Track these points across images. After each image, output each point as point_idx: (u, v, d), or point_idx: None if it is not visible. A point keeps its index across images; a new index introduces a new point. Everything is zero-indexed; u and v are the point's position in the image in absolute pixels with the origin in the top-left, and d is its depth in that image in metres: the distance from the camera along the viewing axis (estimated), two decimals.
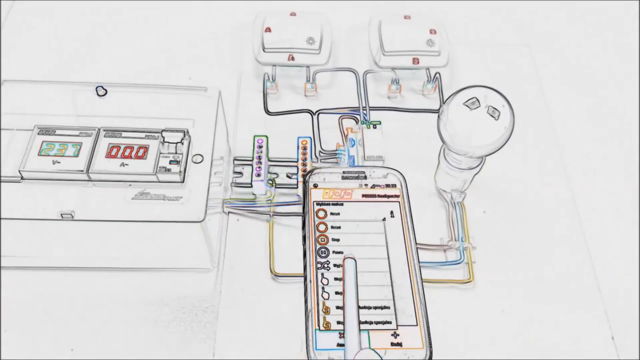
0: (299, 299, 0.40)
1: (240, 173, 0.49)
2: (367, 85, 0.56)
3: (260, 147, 0.48)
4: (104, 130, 0.44)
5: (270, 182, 0.48)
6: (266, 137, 0.49)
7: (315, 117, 0.54)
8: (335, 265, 0.39)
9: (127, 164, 0.42)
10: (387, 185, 0.43)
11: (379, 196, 0.42)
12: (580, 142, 0.56)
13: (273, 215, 0.48)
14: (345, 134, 0.52)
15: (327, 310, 0.37)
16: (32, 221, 0.40)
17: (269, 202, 0.48)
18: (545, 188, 0.52)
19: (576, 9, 0.68)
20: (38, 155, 0.42)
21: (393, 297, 0.38)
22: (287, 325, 0.43)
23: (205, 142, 0.45)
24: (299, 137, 0.51)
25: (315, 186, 0.43)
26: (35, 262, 0.45)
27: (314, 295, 0.37)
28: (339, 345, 0.35)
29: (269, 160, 0.50)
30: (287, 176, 0.50)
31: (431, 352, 0.35)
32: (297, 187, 0.49)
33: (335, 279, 0.38)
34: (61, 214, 0.40)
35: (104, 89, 0.46)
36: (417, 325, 0.36)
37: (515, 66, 0.62)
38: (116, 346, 0.42)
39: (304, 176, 0.45)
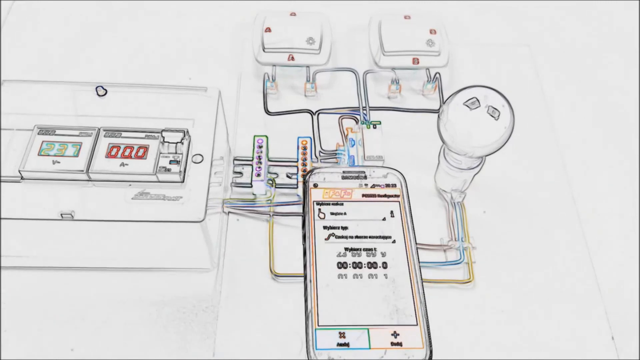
0: (299, 299, 0.40)
1: (240, 173, 0.49)
2: (367, 85, 0.56)
3: (260, 147, 0.48)
4: (104, 130, 0.44)
5: (270, 182, 0.48)
6: (266, 137, 0.49)
7: (315, 117, 0.54)
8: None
9: (127, 164, 0.42)
10: (387, 185, 0.43)
11: (379, 196, 0.42)
12: (580, 142, 0.56)
13: (273, 215, 0.48)
14: (345, 134, 0.52)
15: None
16: (32, 221, 0.40)
17: (269, 202, 0.48)
18: (545, 188, 0.52)
19: (576, 9, 0.68)
20: (38, 155, 0.42)
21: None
22: (287, 325, 0.43)
23: (205, 142, 0.45)
24: (299, 137, 0.51)
25: (315, 186, 0.43)
26: (35, 262, 0.45)
27: (314, 295, 0.37)
28: (339, 345, 0.35)
29: (269, 160, 0.50)
30: (287, 176, 0.50)
31: (431, 352, 0.35)
32: (297, 187, 0.49)
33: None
34: (61, 214, 0.40)
35: (104, 89, 0.46)
36: (417, 325, 0.36)
37: (515, 66, 0.62)
38: (116, 346, 0.42)
39: (304, 176, 0.45)
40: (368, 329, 0.36)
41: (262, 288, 0.45)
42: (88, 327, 0.43)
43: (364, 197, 0.42)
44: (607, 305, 0.45)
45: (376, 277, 0.38)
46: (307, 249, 0.39)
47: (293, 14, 0.58)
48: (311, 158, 0.50)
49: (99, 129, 0.44)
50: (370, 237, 0.40)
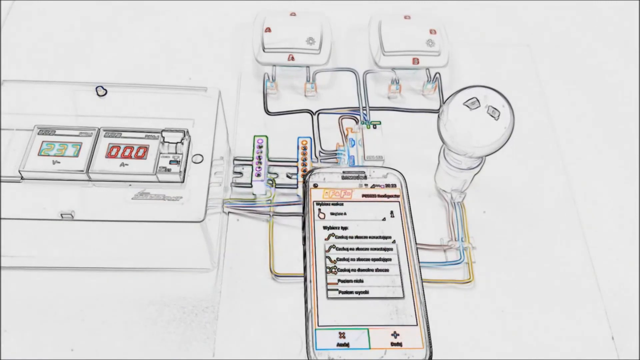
0: (299, 299, 0.40)
1: (240, 173, 0.49)
2: (367, 85, 0.56)
3: (260, 147, 0.48)
4: (104, 130, 0.44)
5: (270, 182, 0.48)
6: (266, 137, 0.49)
7: (315, 117, 0.54)
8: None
9: (127, 164, 0.42)
10: (387, 185, 0.43)
11: (379, 196, 0.42)
12: (580, 142, 0.56)
13: (273, 215, 0.48)
14: (345, 134, 0.52)
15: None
16: (32, 221, 0.40)
17: (269, 202, 0.48)
18: (545, 188, 0.52)
19: (576, 9, 0.68)
20: (38, 155, 0.42)
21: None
22: (287, 325, 0.43)
23: (205, 142, 0.45)
24: (299, 137, 0.51)
25: (315, 186, 0.43)
26: (35, 262, 0.45)
27: (314, 295, 0.37)
28: (339, 345, 0.35)
29: (269, 160, 0.50)
30: (287, 176, 0.50)
31: (431, 352, 0.35)
32: (297, 187, 0.49)
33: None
34: (61, 214, 0.40)
35: (104, 89, 0.46)
36: (417, 325, 0.36)
37: (515, 66, 0.62)
38: (116, 346, 0.42)
39: (304, 176, 0.45)
40: (368, 329, 0.36)
41: (262, 288, 0.45)
42: (88, 327, 0.43)
43: (364, 197, 0.42)
44: (607, 305, 0.45)
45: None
46: (307, 249, 0.39)
47: (293, 14, 0.58)
48: (311, 158, 0.50)
49: (99, 129, 0.44)
50: (370, 237, 0.40)
